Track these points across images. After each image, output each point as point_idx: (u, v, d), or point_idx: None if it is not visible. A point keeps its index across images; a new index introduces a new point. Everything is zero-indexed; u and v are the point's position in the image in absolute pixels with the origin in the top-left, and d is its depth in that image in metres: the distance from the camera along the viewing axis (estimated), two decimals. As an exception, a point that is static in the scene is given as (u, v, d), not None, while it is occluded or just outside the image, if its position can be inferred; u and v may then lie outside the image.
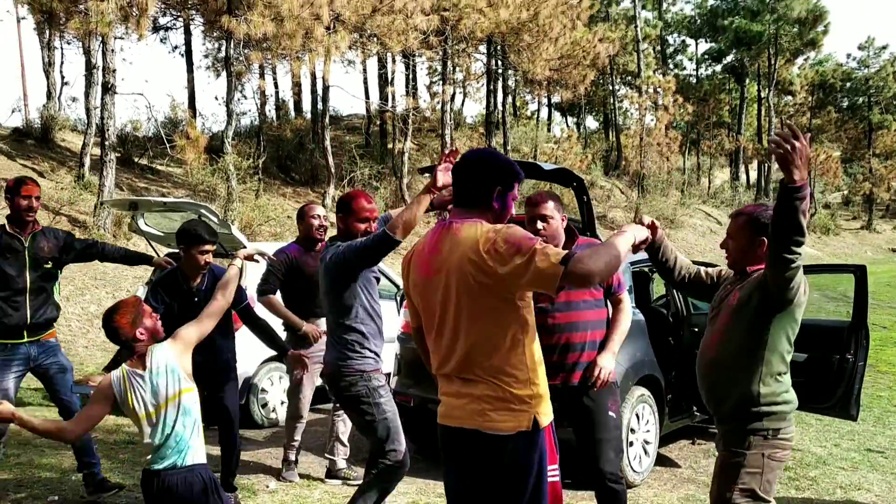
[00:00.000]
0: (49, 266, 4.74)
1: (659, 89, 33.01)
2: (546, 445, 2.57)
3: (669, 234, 30.81)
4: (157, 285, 4.60)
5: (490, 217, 2.55)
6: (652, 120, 33.25)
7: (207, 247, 4.49)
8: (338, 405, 5.22)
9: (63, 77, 21.34)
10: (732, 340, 3.07)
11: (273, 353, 7.06)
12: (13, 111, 21.93)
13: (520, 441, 2.47)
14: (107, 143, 13.35)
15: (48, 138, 18.71)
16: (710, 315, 3.33)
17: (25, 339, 4.62)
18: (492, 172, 2.57)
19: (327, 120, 18.56)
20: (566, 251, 2.32)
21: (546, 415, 2.57)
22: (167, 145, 15.92)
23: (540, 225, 3.75)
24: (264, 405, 7.09)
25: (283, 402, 7.26)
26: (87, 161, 14.89)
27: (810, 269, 4.62)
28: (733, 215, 3.29)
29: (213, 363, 4.61)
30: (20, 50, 26.33)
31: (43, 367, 4.73)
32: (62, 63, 22.53)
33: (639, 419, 5.57)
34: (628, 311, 4.04)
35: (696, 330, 6.25)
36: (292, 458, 5.58)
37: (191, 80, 24.13)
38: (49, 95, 19.84)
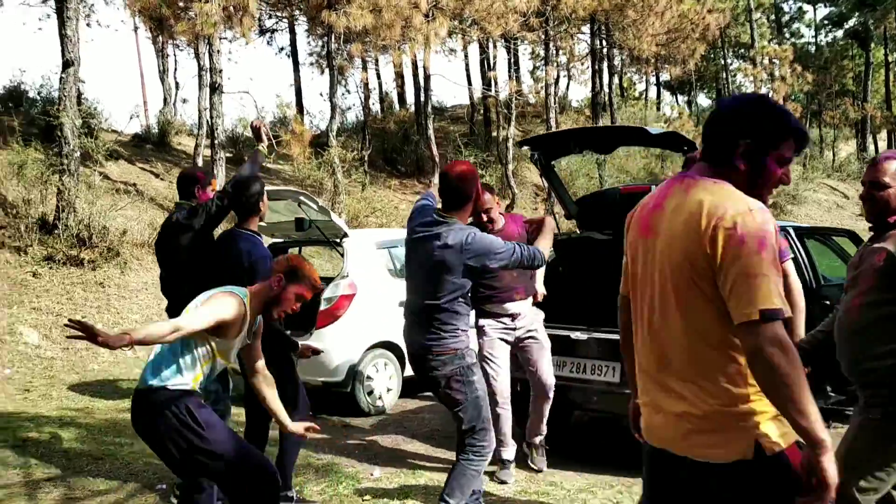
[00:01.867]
0: None
1: (775, 59, 31.31)
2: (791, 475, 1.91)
3: (791, 210, 29.20)
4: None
5: (736, 179, 2.00)
6: (768, 92, 31.58)
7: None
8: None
9: (177, 82, 22.16)
10: (881, 303, 2.69)
11: (378, 339, 7.04)
12: (131, 117, 23.06)
13: (739, 471, 1.91)
14: (216, 142, 13.70)
15: (165, 142, 19.44)
16: (847, 281, 2.96)
17: None
18: (741, 122, 2.01)
19: (430, 109, 18.50)
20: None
21: (778, 437, 1.92)
22: (273, 142, 16.24)
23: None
24: (370, 392, 7.00)
25: (388, 390, 7.17)
26: (200, 161, 15.35)
27: None
28: (880, 159, 2.89)
29: None
30: (139, 59, 27.45)
31: None
32: (175, 69, 23.41)
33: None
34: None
35: (828, 303, 5.71)
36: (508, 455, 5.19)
37: (297, 79, 24.59)
38: (165, 101, 20.65)
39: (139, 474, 5.11)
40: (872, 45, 40.66)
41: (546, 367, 5.10)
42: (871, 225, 2.90)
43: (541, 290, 5.11)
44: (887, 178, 2.82)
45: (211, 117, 13.88)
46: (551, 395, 5.10)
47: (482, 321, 4.96)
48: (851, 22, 40.42)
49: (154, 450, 3.23)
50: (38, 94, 18.57)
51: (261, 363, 3.55)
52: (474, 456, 3.80)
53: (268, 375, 3.58)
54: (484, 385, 3.86)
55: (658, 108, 39.39)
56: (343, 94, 29.88)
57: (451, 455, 5.34)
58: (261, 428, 4.62)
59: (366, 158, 20.23)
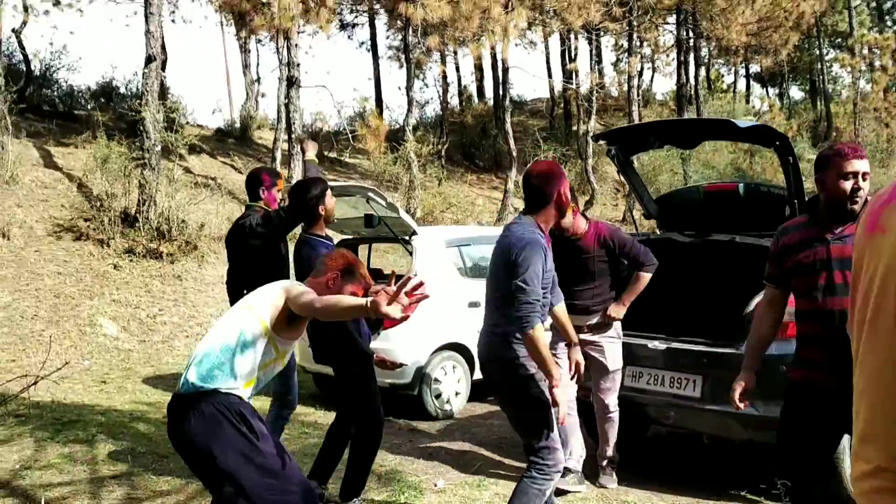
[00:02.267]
0: None
1: (875, 49, 29.67)
2: None
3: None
4: None
5: None
6: (867, 83, 29.99)
7: None
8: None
9: (259, 77, 22.44)
10: None
11: (446, 341, 6.83)
12: (214, 112, 23.58)
13: None
14: (293, 136, 13.75)
15: (246, 136, 19.72)
16: None
17: None
18: None
19: (508, 103, 18.17)
20: None
21: None
22: (349, 135, 16.23)
23: None
24: (438, 396, 6.80)
25: (457, 393, 6.95)
26: (279, 156, 15.44)
27: None
28: None
29: None
30: (224, 54, 28.05)
31: None
32: (258, 64, 23.74)
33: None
34: None
35: None
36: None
37: (377, 73, 24.62)
38: (247, 95, 20.93)
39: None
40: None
41: (606, 387, 4.84)
42: None
43: (613, 312, 4.83)
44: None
45: (288, 111, 13.92)
46: (612, 416, 4.85)
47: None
48: (960, 8, 38.05)
49: (191, 461, 3.00)
50: (127, 89, 19.13)
51: None
52: (538, 474, 3.54)
53: None
54: (548, 396, 3.60)
55: (747, 101, 37.96)
56: (421, 88, 29.84)
57: (520, 464, 5.09)
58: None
59: (443, 153, 20.06)
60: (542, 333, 3.36)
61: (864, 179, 3.00)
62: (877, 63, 29.67)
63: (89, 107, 17.99)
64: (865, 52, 30.12)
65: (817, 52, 35.71)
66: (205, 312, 10.30)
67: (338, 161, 18.91)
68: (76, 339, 8.94)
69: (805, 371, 3.06)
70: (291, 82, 13.77)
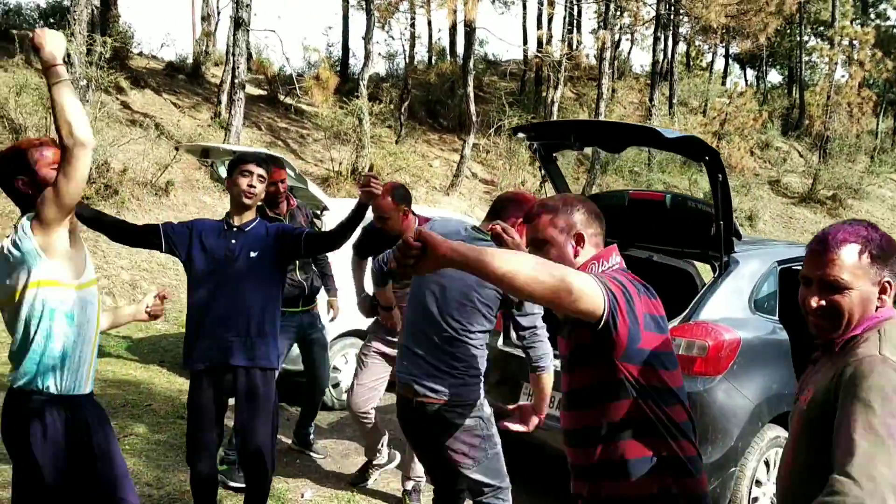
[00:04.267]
0: None
1: (854, 41, 29.30)
2: None
3: (852, 205, 27.57)
4: None
5: None
6: (843, 76, 29.68)
7: (251, 167, 3.53)
8: None
9: (219, 11, 21.33)
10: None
11: (348, 328, 6.32)
12: (162, 45, 22.27)
13: None
14: (237, 80, 12.97)
15: (198, 73, 18.81)
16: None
17: (300, 309, 4.95)
18: None
19: (472, 64, 17.43)
20: None
21: None
22: (297, 86, 15.47)
23: None
24: (336, 385, 6.32)
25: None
26: (224, 98, 14.66)
27: None
28: (830, 242, 1.82)
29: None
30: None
31: (310, 338, 5.07)
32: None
33: (769, 468, 4.30)
34: None
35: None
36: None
37: (345, 20, 23.62)
38: (202, 29, 19.91)
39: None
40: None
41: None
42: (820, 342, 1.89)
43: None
44: (846, 274, 1.80)
45: (233, 54, 13.12)
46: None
47: None
48: (943, 7, 37.77)
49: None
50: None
51: None
52: None
53: None
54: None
55: (724, 83, 37.54)
56: (385, 40, 28.86)
57: (397, 479, 4.65)
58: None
59: (403, 109, 19.34)
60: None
61: None
62: (855, 56, 29.34)
63: (36, 28, 16.97)
64: (845, 43, 29.75)
65: (798, 39, 35.27)
66: (115, 265, 9.66)
67: (293, 108, 18.09)
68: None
69: None
70: (238, 24, 12.94)
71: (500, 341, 4.83)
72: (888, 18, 41.50)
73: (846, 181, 27.10)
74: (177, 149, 7.43)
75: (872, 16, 39.65)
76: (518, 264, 1.77)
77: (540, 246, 2.23)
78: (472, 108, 16.96)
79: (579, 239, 2.23)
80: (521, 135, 4.60)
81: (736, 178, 24.93)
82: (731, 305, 4.26)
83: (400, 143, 18.23)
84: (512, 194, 3.37)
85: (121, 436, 4.89)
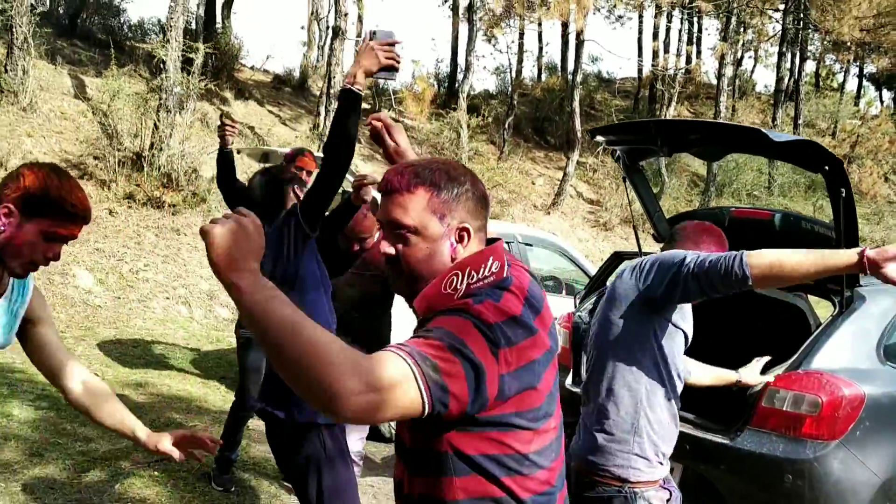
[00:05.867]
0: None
1: None
2: None
3: None
4: None
5: None
6: None
7: None
8: None
9: (329, 25, 21.41)
10: None
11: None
12: (267, 57, 22.41)
13: None
14: (332, 91, 12.75)
15: (304, 87, 18.87)
16: None
17: None
18: None
19: (579, 78, 16.66)
20: None
21: None
22: (392, 97, 15.15)
23: None
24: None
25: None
26: (323, 111, 14.51)
27: None
28: None
29: None
30: None
31: None
32: (329, 11, 22.76)
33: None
34: None
35: None
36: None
37: (454, 31, 23.28)
38: (309, 43, 20.02)
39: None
40: None
41: None
42: None
43: None
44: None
45: (329, 64, 12.92)
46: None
47: None
48: None
49: None
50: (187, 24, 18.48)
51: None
52: None
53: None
54: None
55: (856, 104, 35.13)
56: (492, 54, 28.38)
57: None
58: None
59: (508, 125, 18.78)
60: None
61: None
62: None
63: (146, 39, 17.46)
64: None
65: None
66: (195, 273, 9.48)
67: (395, 121, 17.80)
68: (40, 287, 8.23)
69: None
70: (336, 33, 12.73)
71: (569, 380, 4.14)
72: None
73: None
74: (238, 152, 7.25)
75: None
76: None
77: (399, 235, 1.52)
78: (578, 122, 16.21)
79: (463, 235, 1.54)
80: (599, 138, 3.91)
81: (867, 205, 23.06)
82: (854, 352, 3.42)
83: (503, 159, 17.65)
84: (704, 225, 2.83)
85: (150, 461, 4.48)
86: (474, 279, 1.47)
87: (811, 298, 4.19)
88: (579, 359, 4.19)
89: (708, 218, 4.30)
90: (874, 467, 3.22)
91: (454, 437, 1.43)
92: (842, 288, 3.51)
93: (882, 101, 38.36)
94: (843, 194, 3.27)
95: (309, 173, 4.51)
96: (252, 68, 19.83)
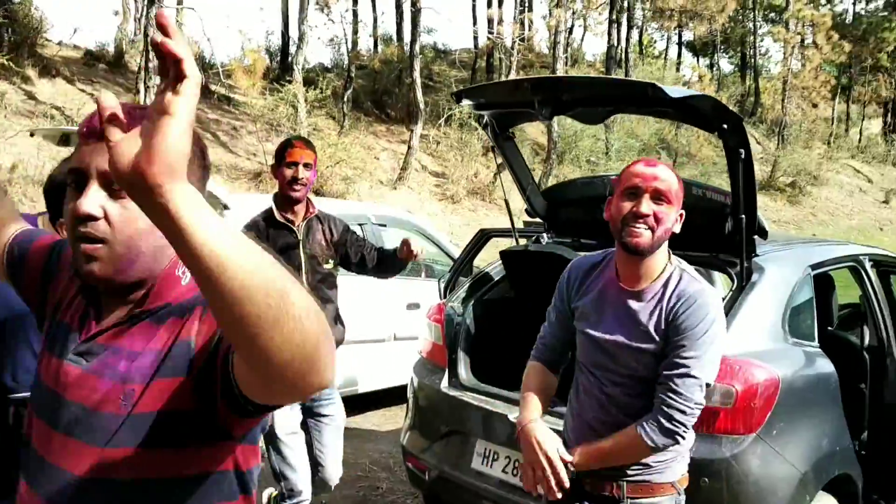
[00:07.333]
0: (329, 267, 3.42)
1: (810, 25, 28.75)
2: None
3: (811, 192, 27.00)
4: None
5: None
6: (799, 61, 29.10)
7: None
8: None
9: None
10: None
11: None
12: (75, 31, 20.45)
13: None
14: (150, 64, 11.54)
15: (121, 63, 17.24)
16: None
17: None
18: None
19: (417, 48, 16.12)
20: None
21: None
22: (219, 70, 14.04)
23: None
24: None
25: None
26: (142, 87, 13.16)
27: None
28: None
29: None
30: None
31: (315, 411, 3.49)
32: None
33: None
34: None
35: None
36: None
37: (284, 3, 22.10)
38: (124, 13, 18.26)
39: None
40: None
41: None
42: None
43: None
44: None
45: (146, 36, 11.67)
46: None
47: None
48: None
49: None
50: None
51: None
52: None
53: None
54: None
55: (678, 69, 36.86)
56: (326, 24, 27.40)
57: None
58: None
59: (347, 98, 17.99)
60: None
61: None
62: (810, 39, 28.82)
63: None
64: (801, 27, 29.22)
65: (751, 26, 34.75)
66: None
67: (217, 96, 16.55)
68: None
69: None
70: (152, 1, 11.51)
71: (445, 382, 3.61)
72: (840, 1, 41.32)
73: (805, 167, 26.53)
74: (31, 135, 6.23)
75: (823, 0, 39.39)
76: None
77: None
78: (420, 95, 15.71)
79: None
80: (466, 101, 3.36)
81: (694, 166, 24.14)
82: (761, 331, 3.07)
83: (343, 134, 16.87)
84: None
85: None
86: None
87: (706, 272, 3.86)
88: (455, 356, 3.66)
89: (589, 188, 3.89)
90: (793, 459, 2.89)
91: None
92: (740, 259, 3.15)
93: (699, 67, 40.48)
94: (743, 155, 2.89)
95: (307, 166, 3.29)
96: (60, 44, 17.88)
